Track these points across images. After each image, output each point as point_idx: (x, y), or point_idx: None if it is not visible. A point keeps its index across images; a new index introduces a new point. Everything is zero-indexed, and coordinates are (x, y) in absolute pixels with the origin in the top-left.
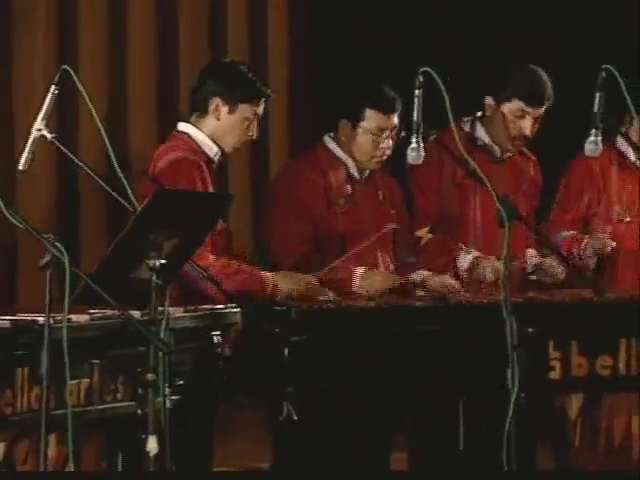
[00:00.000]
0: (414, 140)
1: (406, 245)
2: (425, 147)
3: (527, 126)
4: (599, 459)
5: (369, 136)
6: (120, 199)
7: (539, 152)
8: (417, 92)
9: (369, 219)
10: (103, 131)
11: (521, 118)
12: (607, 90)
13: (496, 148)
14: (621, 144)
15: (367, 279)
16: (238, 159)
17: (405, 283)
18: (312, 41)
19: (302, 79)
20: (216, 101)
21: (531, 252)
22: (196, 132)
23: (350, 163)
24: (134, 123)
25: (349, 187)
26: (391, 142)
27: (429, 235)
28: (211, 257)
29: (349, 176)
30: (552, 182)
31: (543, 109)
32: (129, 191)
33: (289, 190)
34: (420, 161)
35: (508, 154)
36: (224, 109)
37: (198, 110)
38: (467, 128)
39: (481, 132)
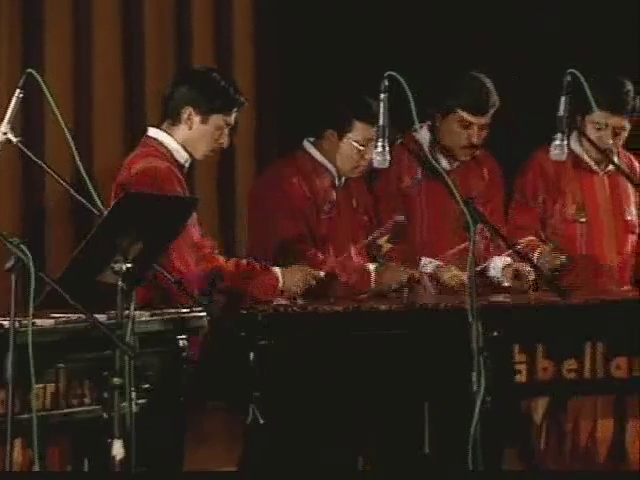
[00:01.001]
0: (380, 144)
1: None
2: (391, 151)
3: (473, 135)
4: (565, 462)
5: (355, 146)
6: (86, 203)
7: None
8: (382, 96)
9: (346, 226)
10: (69, 135)
11: (467, 128)
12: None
13: (449, 155)
14: (575, 145)
15: (382, 275)
16: (205, 164)
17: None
18: (278, 47)
19: (268, 85)
20: (188, 110)
21: (505, 260)
22: (167, 139)
23: (334, 170)
24: (100, 127)
25: (334, 194)
26: None
27: (388, 245)
28: (221, 259)
29: (332, 183)
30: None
31: (488, 117)
32: (95, 195)
33: (279, 194)
34: (386, 165)
35: (463, 158)
36: (196, 119)
37: (170, 117)
38: (425, 134)
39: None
